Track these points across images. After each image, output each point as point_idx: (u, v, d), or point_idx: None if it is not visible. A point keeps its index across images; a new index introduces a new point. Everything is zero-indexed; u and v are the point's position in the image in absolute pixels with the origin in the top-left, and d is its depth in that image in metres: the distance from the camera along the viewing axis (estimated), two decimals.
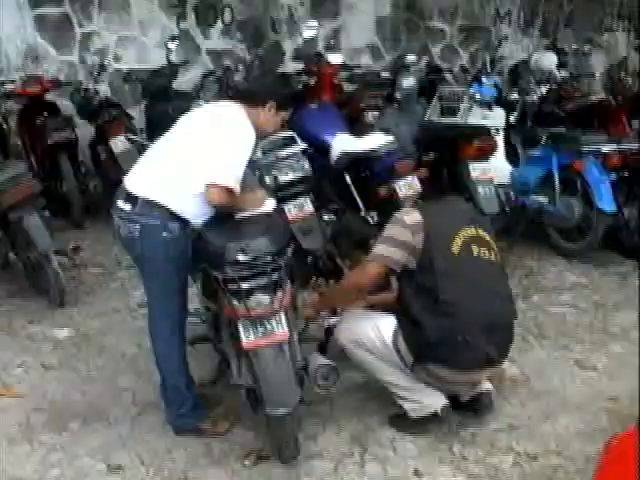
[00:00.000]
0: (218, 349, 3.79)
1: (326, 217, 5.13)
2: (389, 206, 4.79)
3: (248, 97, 3.53)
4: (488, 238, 3.55)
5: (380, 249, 3.47)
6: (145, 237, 3.33)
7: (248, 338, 3.21)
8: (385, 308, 3.70)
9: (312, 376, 3.40)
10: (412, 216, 3.47)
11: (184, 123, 3.55)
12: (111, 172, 6.43)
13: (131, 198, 3.36)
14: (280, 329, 3.23)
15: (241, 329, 3.22)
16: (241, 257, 3.16)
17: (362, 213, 5.13)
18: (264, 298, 3.17)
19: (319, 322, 3.93)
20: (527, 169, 6.28)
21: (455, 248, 3.41)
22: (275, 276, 3.18)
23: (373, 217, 5.01)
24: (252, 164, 3.69)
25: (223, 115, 3.47)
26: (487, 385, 3.73)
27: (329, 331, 3.92)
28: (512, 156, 6.51)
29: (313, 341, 4.00)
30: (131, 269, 5.52)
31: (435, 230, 3.42)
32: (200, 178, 3.30)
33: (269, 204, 3.63)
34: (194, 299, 3.73)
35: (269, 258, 3.19)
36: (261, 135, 3.57)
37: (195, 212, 3.40)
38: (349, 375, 3.97)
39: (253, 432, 3.66)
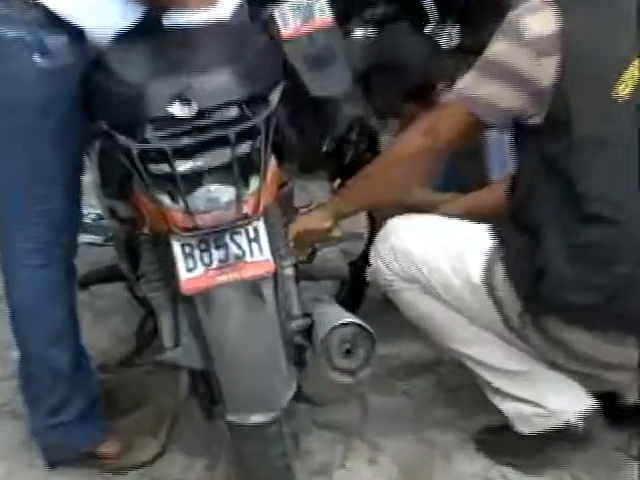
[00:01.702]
0: (136, 295, 3.08)
1: (359, 32, 4.01)
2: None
3: None
4: None
5: (469, 81, 2.66)
6: None
7: (192, 272, 2.43)
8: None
9: (322, 348, 2.59)
10: (540, 18, 2.56)
11: None
12: None
13: None
14: (257, 255, 2.44)
15: (178, 254, 2.43)
16: (177, 109, 2.37)
17: (429, 26, 3.98)
18: (223, 191, 2.36)
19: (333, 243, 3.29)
20: None
21: (623, 89, 2.54)
22: (245, 148, 2.36)
23: (450, 33, 3.88)
24: None
25: None
26: None
27: (361, 261, 3.17)
28: None
29: (326, 279, 3.32)
30: None
31: (584, 51, 2.55)
32: None
33: None
34: (87, 197, 2.94)
35: (234, 112, 2.38)
36: None
37: (97, 14, 2.61)
38: (394, 347, 3.27)
39: (204, 459, 2.87)
